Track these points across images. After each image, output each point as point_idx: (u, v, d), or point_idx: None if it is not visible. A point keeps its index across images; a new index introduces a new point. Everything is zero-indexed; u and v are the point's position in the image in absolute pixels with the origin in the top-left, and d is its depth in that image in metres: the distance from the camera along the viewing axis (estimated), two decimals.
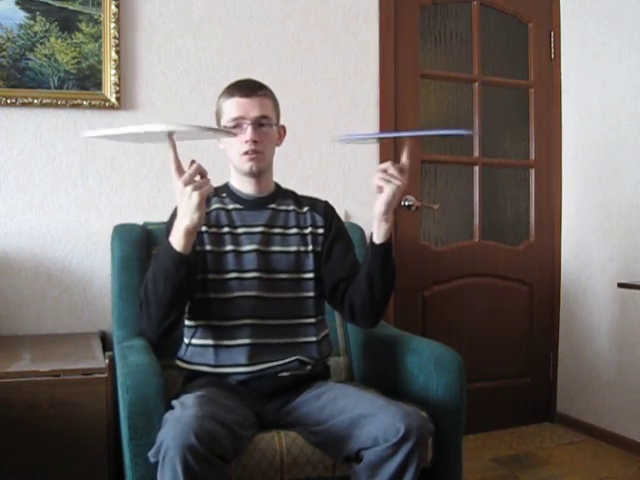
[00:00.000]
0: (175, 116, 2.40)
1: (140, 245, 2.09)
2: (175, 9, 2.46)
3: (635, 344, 2.73)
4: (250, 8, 2.56)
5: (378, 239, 1.66)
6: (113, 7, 2.34)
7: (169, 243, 1.54)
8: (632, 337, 2.74)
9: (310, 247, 1.80)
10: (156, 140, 1.62)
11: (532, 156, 3.09)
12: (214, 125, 1.78)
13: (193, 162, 1.49)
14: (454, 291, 2.93)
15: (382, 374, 2.02)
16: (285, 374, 1.71)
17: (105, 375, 1.83)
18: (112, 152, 2.39)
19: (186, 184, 1.47)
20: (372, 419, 1.50)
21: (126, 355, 1.75)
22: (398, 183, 1.58)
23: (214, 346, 1.72)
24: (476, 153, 2.99)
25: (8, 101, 2.26)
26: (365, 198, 2.66)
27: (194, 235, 1.54)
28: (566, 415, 3.06)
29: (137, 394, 1.54)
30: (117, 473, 1.86)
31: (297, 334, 1.76)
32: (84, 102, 2.33)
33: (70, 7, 2.31)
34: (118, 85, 2.35)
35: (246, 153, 1.71)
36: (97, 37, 2.34)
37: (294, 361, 1.72)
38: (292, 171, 2.56)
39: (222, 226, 1.77)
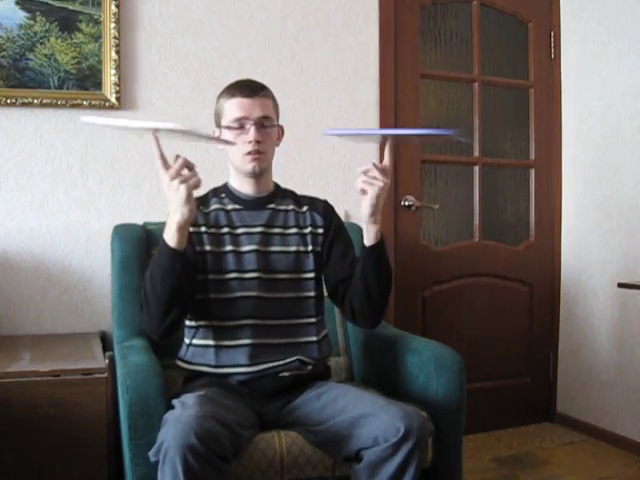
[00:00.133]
0: (175, 116, 2.40)
1: (140, 245, 2.09)
2: (175, 9, 2.46)
3: (635, 344, 2.73)
4: (250, 8, 2.56)
5: (368, 241, 1.67)
6: (113, 7, 2.34)
7: (163, 240, 1.54)
8: (632, 337, 2.74)
9: (310, 247, 1.80)
10: (145, 135, 1.60)
11: (532, 156, 3.09)
12: (212, 126, 1.78)
13: (178, 156, 1.48)
14: (454, 291, 2.93)
15: (382, 374, 2.02)
16: (286, 374, 1.71)
17: (105, 375, 1.83)
18: (112, 152, 2.39)
19: (172, 178, 1.46)
20: (372, 419, 1.50)
21: (126, 355, 1.75)
22: (380, 184, 1.58)
23: (215, 346, 1.72)
24: (476, 153, 2.99)
25: (8, 101, 2.26)
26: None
27: (186, 229, 1.54)
28: (566, 415, 3.06)
29: (137, 394, 1.54)
30: (117, 473, 1.86)
31: (297, 334, 1.76)
32: (84, 102, 2.33)
33: (70, 7, 2.31)
34: (118, 85, 2.35)
35: (249, 153, 1.71)
36: (97, 37, 2.34)
37: (295, 361, 1.72)
38: (292, 171, 2.56)
39: (221, 226, 1.77)
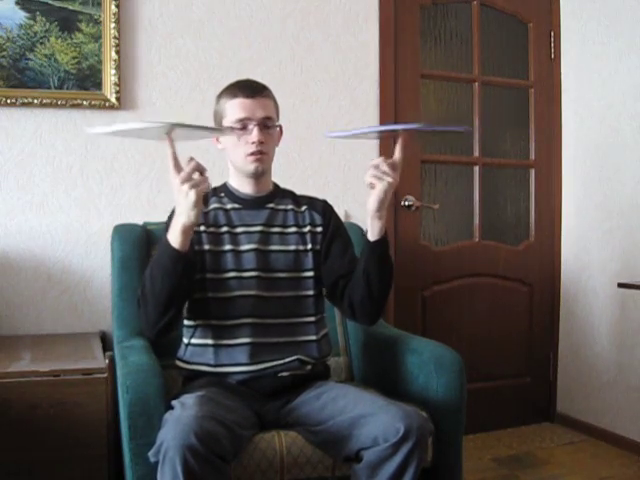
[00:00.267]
0: (175, 116, 2.39)
1: (140, 245, 2.09)
2: (175, 9, 2.46)
3: (635, 344, 2.73)
4: (250, 8, 2.56)
5: (372, 236, 1.66)
6: (113, 7, 2.34)
7: (167, 240, 1.54)
8: (632, 337, 2.74)
9: (309, 246, 1.80)
10: (156, 137, 1.61)
11: (532, 156, 3.09)
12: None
13: (191, 159, 1.48)
14: (454, 291, 2.93)
15: (382, 374, 2.02)
16: (285, 374, 1.71)
17: (105, 375, 1.83)
18: (112, 152, 2.39)
19: (183, 182, 1.46)
20: (372, 419, 1.50)
21: (126, 355, 1.75)
22: (390, 180, 1.57)
23: (214, 346, 1.72)
24: (476, 153, 2.99)
25: (8, 101, 2.26)
26: (365, 198, 2.65)
27: (191, 232, 1.54)
28: (566, 415, 3.06)
29: (137, 394, 1.54)
30: (117, 473, 1.86)
31: (297, 333, 1.76)
32: (84, 102, 2.33)
33: (70, 7, 2.31)
34: (118, 85, 2.35)
35: (252, 154, 1.71)
36: (97, 37, 2.34)
37: (294, 361, 1.72)
38: (292, 171, 2.56)
39: (220, 226, 1.77)
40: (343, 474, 1.60)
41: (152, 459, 1.42)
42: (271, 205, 1.82)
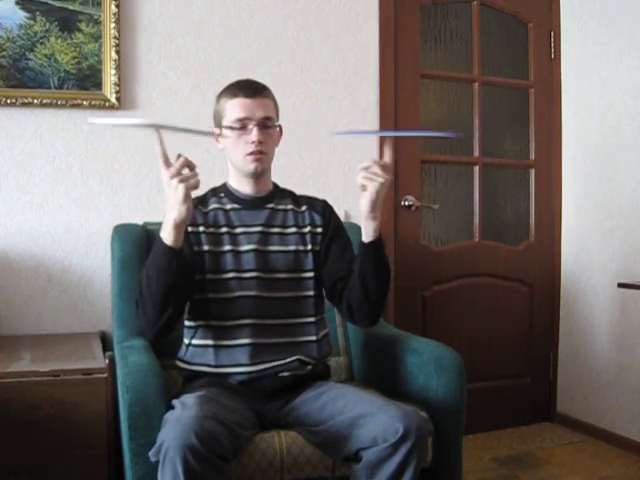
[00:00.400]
0: (175, 116, 2.40)
1: (140, 245, 2.09)
2: (175, 9, 2.46)
3: (635, 344, 2.72)
4: (250, 8, 2.56)
5: (366, 238, 1.67)
6: (113, 7, 2.34)
7: (160, 239, 1.54)
8: (632, 337, 2.74)
9: (309, 246, 1.80)
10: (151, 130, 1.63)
11: (532, 156, 3.09)
12: (212, 126, 1.78)
13: (180, 155, 1.49)
14: (454, 291, 2.93)
15: (382, 374, 2.02)
16: (285, 374, 1.71)
17: (105, 375, 1.83)
18: (112, 152, 2.39)
19: (172, 177, 1.47)
20: (371, 419, 1.50)
21: (126, 355, 1.75)
22: (381, 180, 1.58)
23: (214, 346, 1.72)
24: (476, 153, 2.99)
25: (8, 101, 2.26)
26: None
27: (183, 228, 1.54)
28: (566, 415, 3.06)
29: (137, 394, 1.54)
30: (117, 473, 1.86)
31: (297, 333, 1.76)
32: (84, 102, 2.33)
33: (70, 7, 2.31)
34: (118, 85, 2.35)
35: (252, 154, 1.71)
36: (97, 37, 2.34)
37: (294, 361, 1.72)
38: (292, 171, 2.56)
39: (220, 226, 1.77)
40: (343, 474, 1.60)
41: (152, 459, 1.42)
42: (271, 205, 1.82)
